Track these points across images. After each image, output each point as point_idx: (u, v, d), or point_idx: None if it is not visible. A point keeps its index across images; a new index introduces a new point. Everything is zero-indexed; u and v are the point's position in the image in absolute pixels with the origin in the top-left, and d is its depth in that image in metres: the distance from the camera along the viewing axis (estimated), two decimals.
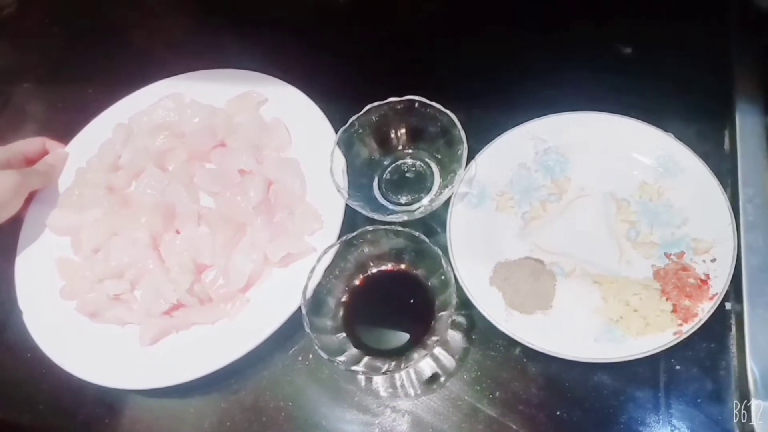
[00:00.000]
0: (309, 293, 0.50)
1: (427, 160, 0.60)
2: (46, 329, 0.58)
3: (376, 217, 0.54)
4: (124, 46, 0.78)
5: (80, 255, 0.61)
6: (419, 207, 0.57)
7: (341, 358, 0.48)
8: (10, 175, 0.61)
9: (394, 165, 0.61)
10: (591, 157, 0.57)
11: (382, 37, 0.71)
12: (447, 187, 0.55)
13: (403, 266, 0.53)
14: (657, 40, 0.64)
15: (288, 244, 0.56)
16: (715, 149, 0.56)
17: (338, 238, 0.53)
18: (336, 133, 0.58)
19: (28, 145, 0.67)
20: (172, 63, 0.71)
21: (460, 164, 0.54)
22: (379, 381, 0.52)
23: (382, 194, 0.59)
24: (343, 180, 0.56)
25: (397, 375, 0.52)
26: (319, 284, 0.50)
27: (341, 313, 0.52)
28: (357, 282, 0.53)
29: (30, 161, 0.66)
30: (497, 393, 0.50)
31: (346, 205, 0.56)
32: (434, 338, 0.48)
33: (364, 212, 0.54)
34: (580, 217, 0.55)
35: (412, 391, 0.52)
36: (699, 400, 0.48)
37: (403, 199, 0.59)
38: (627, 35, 0.65)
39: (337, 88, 0.65)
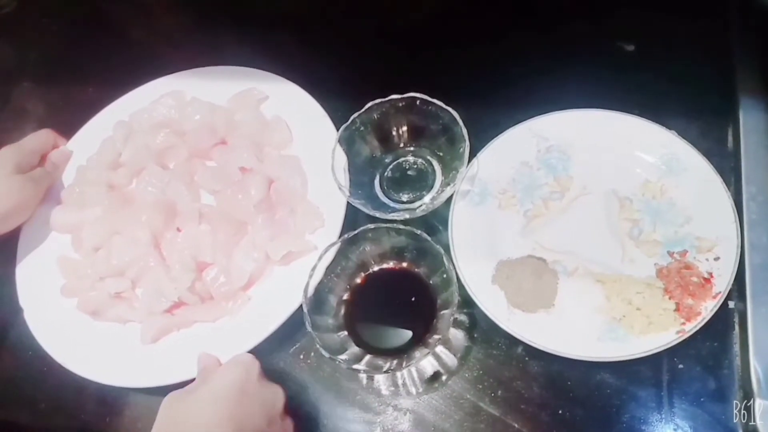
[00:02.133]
0: (310, 291, 0.49)
1: (428, 157, 0.60)
2: (47, 328, 0.58)
3: (377, 215, 0.54)
4: (124, 44, 0.78)
5: (81, 253, 0.61)
6: (421, 205, 0.57)
7: (343, 357, 0.48)
8: (23, 181, 0.61)
9: (395, 163, 0.61)
10: (593, 155, 0.57)
11: (383, 35, 0.71)
12: (449, 185, 0.55)
13: (404, 264, 0.53)
14: (659, 38, 0.64)
15: (289, 243, 0.56)
16: (718, 147, 0.56)
17: (339, 237, 0.53)
18: (337, 130, 0.58)
19: (38, 142, 0.66)
20: (172, 60, 0.71)
21: (461, 162, 0.54)
22: (380, 379, 0.52)
23: (384, 192, 0.59)
24: (344, 178, 0.56)
25: (398, 373, 0.52)
26: (321, 282, 0.50)
27: (343, 311, 0.52)
28: (358, 280, 0.53)
29: (44, 158, 0.66)
30: (499, 392, 0.50)
31: (348, 203, 0.56)
32: (436, 337, 0.48)
33: (365, 210, 0.54)
34: (582, 215, 0.55)
35: (413, 390, 0.52)
36: (702, 399, 0.47)
37: (405, 197, 0.59)
38: (629, 33, 0.65)
39: (339, 85, 0.64)
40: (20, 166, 0.62)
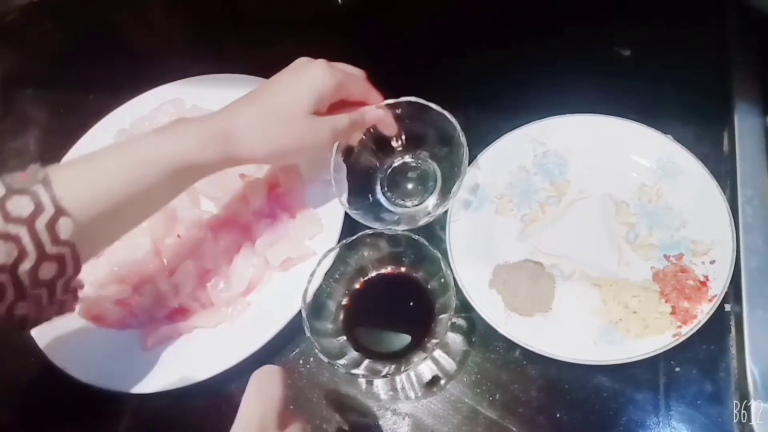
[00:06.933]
0: (309, 297, 0.50)
1: (428, 161, 0.60)
2: (48, 333, 0.58)
3: (376, 227, 0.53)
4: (124, 52, 0.79)
5: None
6: (423, 217, 0.55)
7: (342, 362, 0.48)
8: (319, 125, 0.51)
9: (394, 168, 0.61)
10: (590, 159, 0.57)
11: (380, 41, 0.72)
12: (449, 191, 0.55)
13: (402, 269, 0.54)
14: (655, 43, 0.64)
15: (288, 248, 0.56)
16: (714, 151, 0.57)
17: (338, 242, 0.53)
18: None
19: (356, 88, 0.55)
20: (172, 68, 0.72)
21: (460, 167, 0.54)
22: (379, 384, 0.53)
23: (385, 197, 0.59)
24: (343, 185, 0.56)
25: (397, 378, 0.53)
26: (320, 288, 0.51)
27: (341, 316, 0.52)
28: (357, 285, 0.53)
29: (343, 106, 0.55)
30: (497, 395, 0.50)
31: None
32: (434, 341, 0.48)
33: (364, 222, 0.53)
34: (579, 219, 0.55)
35: (412, 394, 0.52)
36: (699, 402, 0.48)
37: (408, 203, 0.58)
38: (625, 37, 0.65)
39: None
40: (320, 105, 0.52)
